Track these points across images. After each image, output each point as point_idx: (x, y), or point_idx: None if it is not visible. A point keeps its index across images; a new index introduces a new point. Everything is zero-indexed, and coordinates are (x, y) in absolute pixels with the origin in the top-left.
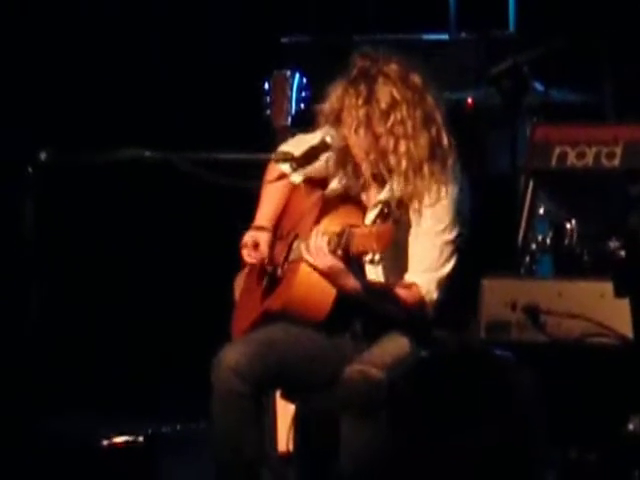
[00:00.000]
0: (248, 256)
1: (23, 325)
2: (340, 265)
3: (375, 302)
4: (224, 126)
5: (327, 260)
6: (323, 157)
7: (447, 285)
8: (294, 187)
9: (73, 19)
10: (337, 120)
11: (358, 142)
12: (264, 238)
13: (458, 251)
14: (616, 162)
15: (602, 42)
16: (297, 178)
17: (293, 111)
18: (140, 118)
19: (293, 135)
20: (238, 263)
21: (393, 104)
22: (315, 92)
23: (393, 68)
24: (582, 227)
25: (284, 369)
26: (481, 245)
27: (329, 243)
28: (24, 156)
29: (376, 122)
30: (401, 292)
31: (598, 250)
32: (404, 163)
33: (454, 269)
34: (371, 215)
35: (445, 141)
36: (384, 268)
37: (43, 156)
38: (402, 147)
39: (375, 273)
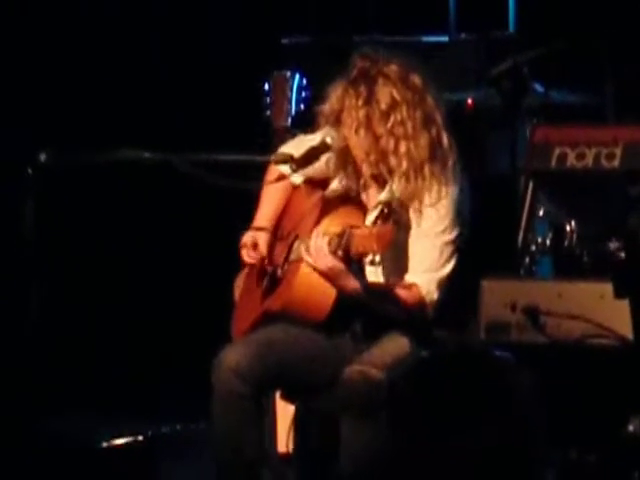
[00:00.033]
0: (247, 256)
1: (23, 325)
2: (340, 266)
3: (375, 303)
4: (224, 127)
5: (327, 261)
6: (323, 158)
7: (447, 286)
8: (294, 188)
9: (73, 19)
10: (337, 121)
11: (358, 143)
12: (263, 238)
13: (458, 252)
14: (616, 163)
15: (602, 43)
16: (297, 179)
17: (293, 112)
18: (140, 119)
19: (293, 136)
20: (238, 264)
21: (393, 105)
22: (315, 93)
23: (393, 69)
24: (582, 228)
25: (284, 370)
26: (481, 246)
27: (329, 244)
28: (24, 157)
29: (376, 123)
30: (401, 292)
31: (598, 251)
32: (404, 164)
33: (454, 270)
34: (371, 216)
35: (445, 142)
36: (384, 269)
37: (43, 157)
38: (402, 148)
39: (375, 274)
